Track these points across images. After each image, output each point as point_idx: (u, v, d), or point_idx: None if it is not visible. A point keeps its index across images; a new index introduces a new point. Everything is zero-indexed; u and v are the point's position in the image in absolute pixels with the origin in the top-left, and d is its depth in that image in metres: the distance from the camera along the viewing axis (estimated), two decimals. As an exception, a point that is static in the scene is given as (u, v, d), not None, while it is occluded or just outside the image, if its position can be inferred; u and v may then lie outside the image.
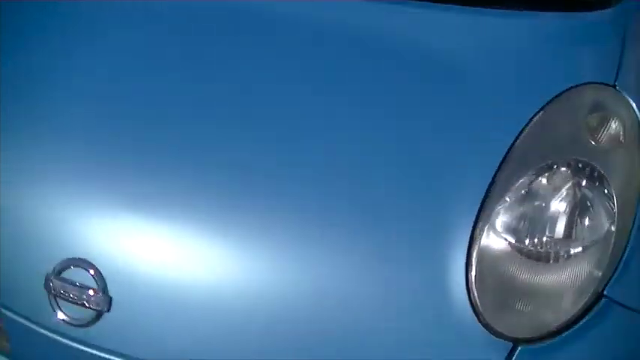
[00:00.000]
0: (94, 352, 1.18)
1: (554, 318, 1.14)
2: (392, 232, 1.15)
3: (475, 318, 1.12)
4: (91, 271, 1.17)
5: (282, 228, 1.17)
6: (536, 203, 1.17)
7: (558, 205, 1.16)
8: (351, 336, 1.13)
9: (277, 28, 1.35)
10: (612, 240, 1.16)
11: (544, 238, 1.15)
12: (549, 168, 1.18)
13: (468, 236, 1.13)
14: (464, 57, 1.28)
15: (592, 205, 1.16)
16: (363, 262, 1.14)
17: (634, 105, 1.26)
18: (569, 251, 1.14)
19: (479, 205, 1.15)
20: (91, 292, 1.17)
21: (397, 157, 1.20)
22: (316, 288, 1.14)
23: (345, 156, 1.21)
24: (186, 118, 1.27)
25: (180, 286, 1.17)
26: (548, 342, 1.14)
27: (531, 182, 1.17)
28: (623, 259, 1.18)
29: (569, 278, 1.14)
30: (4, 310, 1.25)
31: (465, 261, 1.12)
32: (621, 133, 1.23)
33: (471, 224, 1.14)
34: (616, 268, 1.17)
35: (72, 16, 1.45)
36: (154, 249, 1.19)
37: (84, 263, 1.18)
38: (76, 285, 1.17)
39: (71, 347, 1.20)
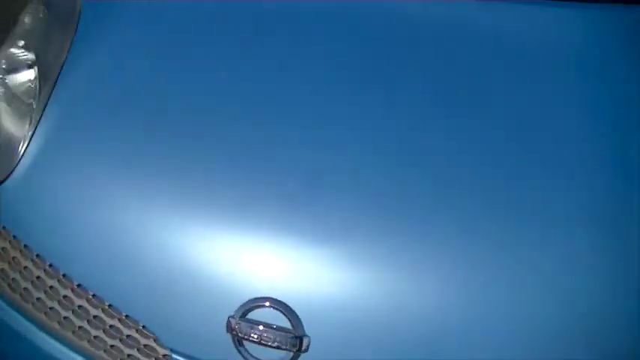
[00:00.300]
0: None
1: None
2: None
3: None
4: (283, 310, 1.10)
5: (472, 246, 1.14)
6: None
7: None
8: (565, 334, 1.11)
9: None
10: None
11: None
12: None
13: None
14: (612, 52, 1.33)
15: None
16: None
17: None
18: None
19: None
20: (285, 333, 1.10)
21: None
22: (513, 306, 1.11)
23: (530, 151, 1.22)
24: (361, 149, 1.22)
25: (375, 316, 1.11)
26: None
27: None
28: None
29: None
30: (175, 356, 1.17)
31: None
32: None
33: None
34: None
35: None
36: (343, 280, 1.12)
37: (272, 302, 1.11)
38: (266, 326, 1.10)
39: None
